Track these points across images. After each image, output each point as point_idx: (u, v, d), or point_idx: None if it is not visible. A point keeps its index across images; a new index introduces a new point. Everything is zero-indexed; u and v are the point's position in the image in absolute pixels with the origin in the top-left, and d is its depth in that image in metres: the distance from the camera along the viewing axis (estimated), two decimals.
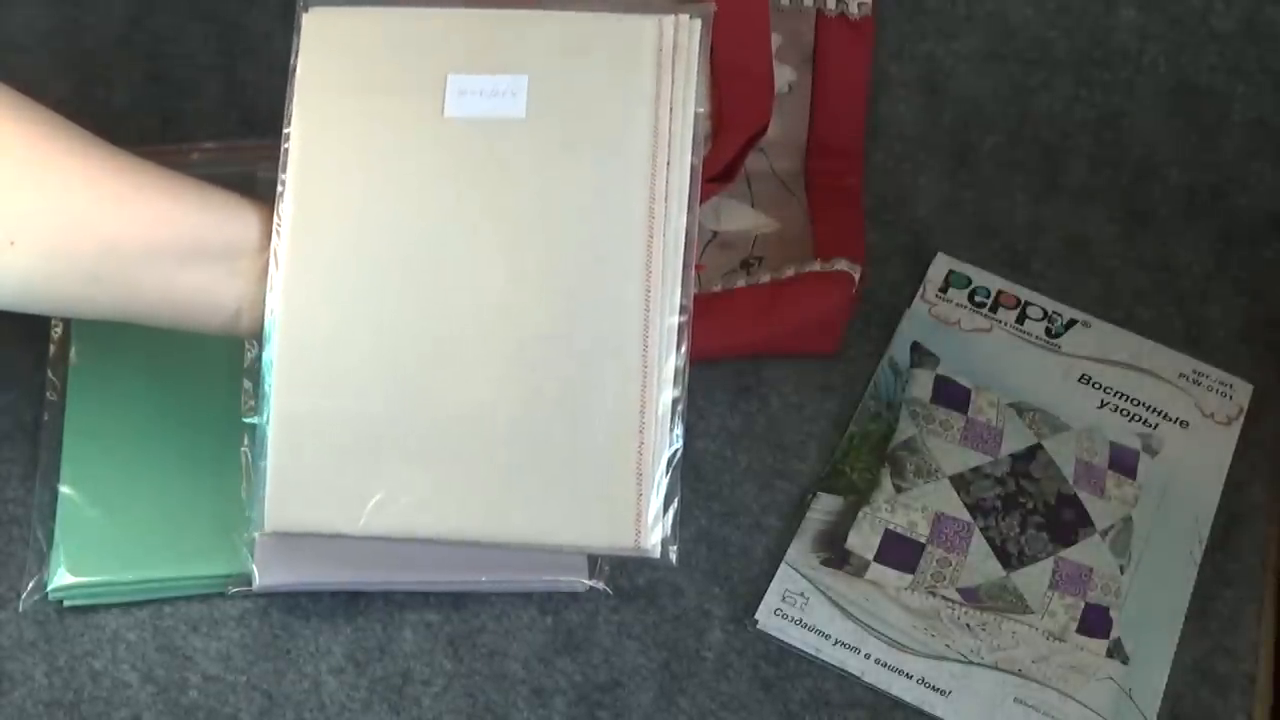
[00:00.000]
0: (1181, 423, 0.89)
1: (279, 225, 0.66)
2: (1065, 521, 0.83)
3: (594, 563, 0.80)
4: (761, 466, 0.86)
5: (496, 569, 0.78)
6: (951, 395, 0.88)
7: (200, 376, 0.82)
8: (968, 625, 0.80)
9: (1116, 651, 0.80)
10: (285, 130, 0.67)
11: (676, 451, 0.66)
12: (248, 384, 0.77)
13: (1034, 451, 0.86)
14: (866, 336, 0.91)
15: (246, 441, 0.79)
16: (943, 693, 0.78)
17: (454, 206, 0.66)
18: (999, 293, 0.93)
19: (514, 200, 0.66)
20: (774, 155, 0.95)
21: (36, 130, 0.63)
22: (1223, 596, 0.83)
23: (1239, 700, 0.80)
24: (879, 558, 0.82)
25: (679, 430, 0.66)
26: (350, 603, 0.79)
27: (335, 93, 0.68)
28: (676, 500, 0.66)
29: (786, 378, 0.89)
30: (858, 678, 0.79)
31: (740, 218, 0.94)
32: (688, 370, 0.66)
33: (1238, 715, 0.80)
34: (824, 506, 0.84)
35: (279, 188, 0.66)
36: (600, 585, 0.79)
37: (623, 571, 0.81)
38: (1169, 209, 0.97)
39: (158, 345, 0.80)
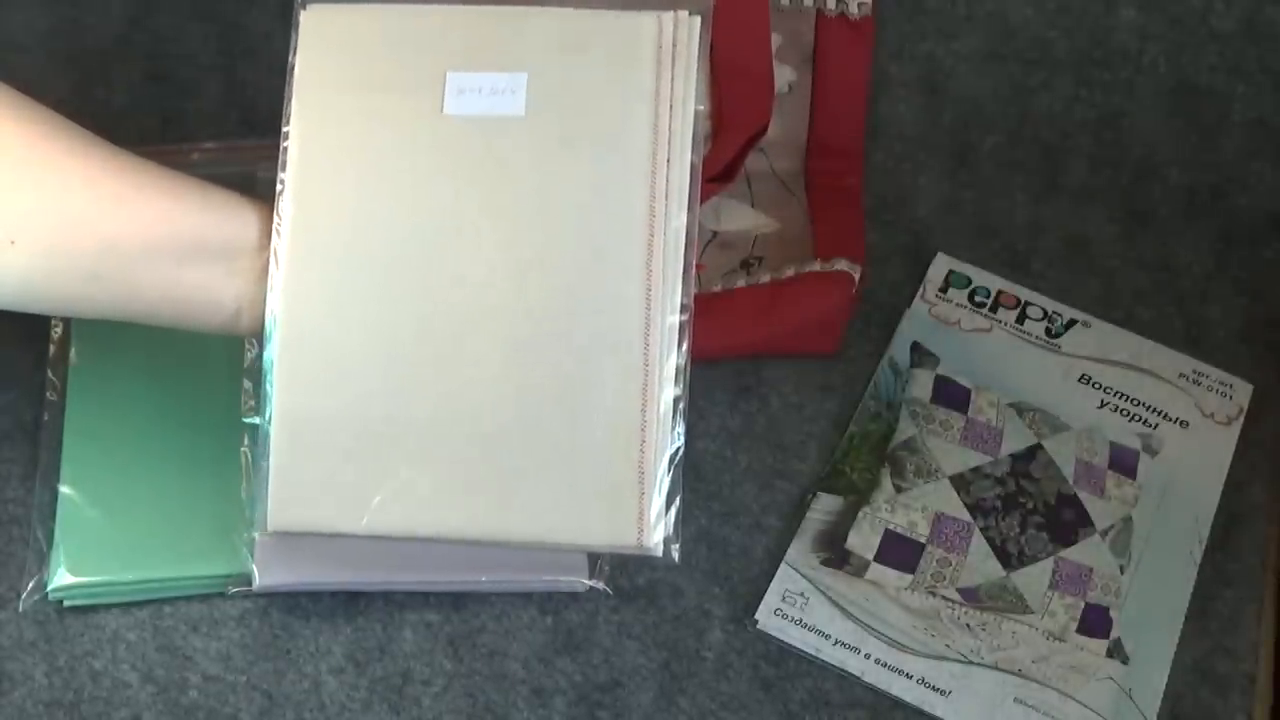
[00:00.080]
0: (1181, 423, 0.89)
1: (279, 224, 0.66)
2: (1065, 521, 0.83)
3: (594, 563, 0.80)
4: (761, 466, 0.86)
5: (496, 569, 0.78)
6: (951, 395, 0.88)
7: (200, 376, 0.82)
8: (968, 625, 0.80)
9: (1116, 651, 0.80)
10: (284, 129, 0.67)
11: (678, 450, 0.66)
12: (248, 384, 0.77)
13: (1034, 451, 0.86)
14: (866, 336, 0.91)
15: (247, 441, 0.79)
16: (943, 693, 0.78)
17: (453, 204, 0.66)
18: (999, 293, 0.93)
19: (514, 198, 0.66)
20: (774, 155, 0.95)
21: (36, 130, 0.63)
22: (1223, 596, 0.83)
23: (1239, 700, 0.80)
24: (879, 558, 0.82)
25: (680, 428, 0.66)
26: (350, 603, 0.79)
27: (334, 90, 0.68)
28: (678, 499, 0.66)
29: (786, 378, 0.89)
30: (858, 678, 0.79)
31: (740, 218, 0.94)
32: (689, 369, 0.66)
33: (1238, 715, 0.80)
34: (824, 506, 0.84)
35: (278, 186, 0.66)
36: (600, 585, 0.79)
37: (623, 571, 0.81)
38: (1169, 209, 0.97)
39: (158, 345, 0.80)
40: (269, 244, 0.66)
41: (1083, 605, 0.81)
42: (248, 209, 0.67)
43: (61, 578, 0.77)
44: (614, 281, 0.66)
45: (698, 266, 0.89)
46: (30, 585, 0.78)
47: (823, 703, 0.78)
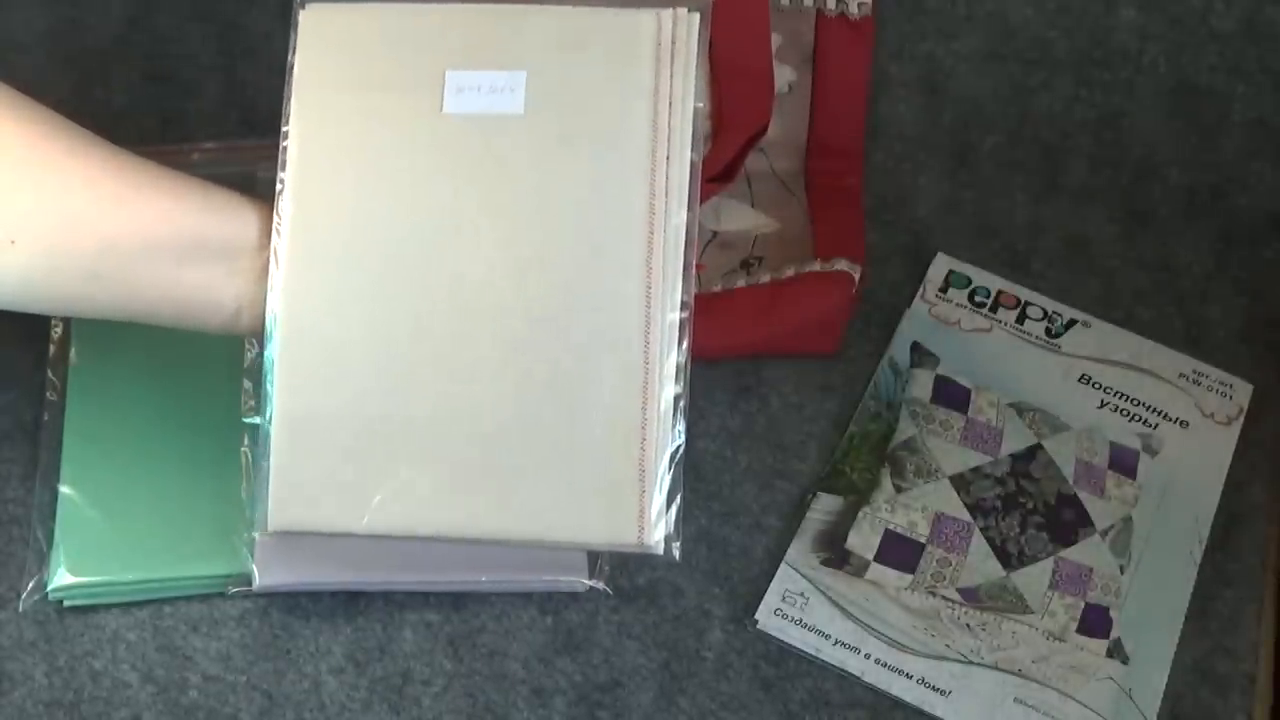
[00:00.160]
0: (1181, 423, 0.89)
1: (278, 223, 0.66)
2: (1065, 521, 0.83)
3: (594, 562, 0.80)
4: (761, 466, 0.86)
5: (496, 569, 0.78)
6: (951, 395, 0.88)
7: (200, 377, 0.82)
8: (968, 625, 0.80)
9: (1116, 651, 0.80)
10: (284, 128, 0.67)
11: (679, 448, 0.66)
12: (248, 384, 0.77)
13: (1034, 451, 0.86)
14: (866, 336, 0.91)
15: (247, 442, 0.79)
16: (943, 693, 0.78)
17: (453, 203, 0.66)
18: (999, 293, 0.93)
19: (513, 196, 0.66)
20: (774, 155, 0.95)
21: (36, 130, 0.63)
22: (1223, 596, 0.83)
23: (1239, 700, 0.80)
24: (879, 558, 0.82)
25: (681, 426, 0.66)
26: (350, 603, 0.79)
27: (333, 90, 0.68)
28: (679, 497, 0.66)
29: (786, 378, 0.89)
30: (858, 678, 0.79)
31: (740, 218, 0.94)
32: (689, 366, 0.66)
33: (1238, 715, 0.80)
34: (824, 506, 0.84)
35: (278, 186, 0.66)
36: (600, 585, 0.79)
37: (623, 571, 0.81)
38: (1169, 209, 0.97)
39: (158, 345, 0.80)
40: (269, 243, 0.66)
41: (1083, 605, 0.81)
42: (248, 209, 0.67)
43: (61, 578, 0.77)
44: (614, 279, 0.66)
45: (698, 266, 0.88)
46: (30, 585, 0.78)
47: (823, 703, 0.78)
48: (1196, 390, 0.90)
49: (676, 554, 0.67)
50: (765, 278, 0.88)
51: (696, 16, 0.67)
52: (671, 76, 0.66)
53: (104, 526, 0.78)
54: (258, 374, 0.67)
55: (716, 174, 0.87)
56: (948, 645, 0.80)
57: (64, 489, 0.79)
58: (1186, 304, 0.94)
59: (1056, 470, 0.85)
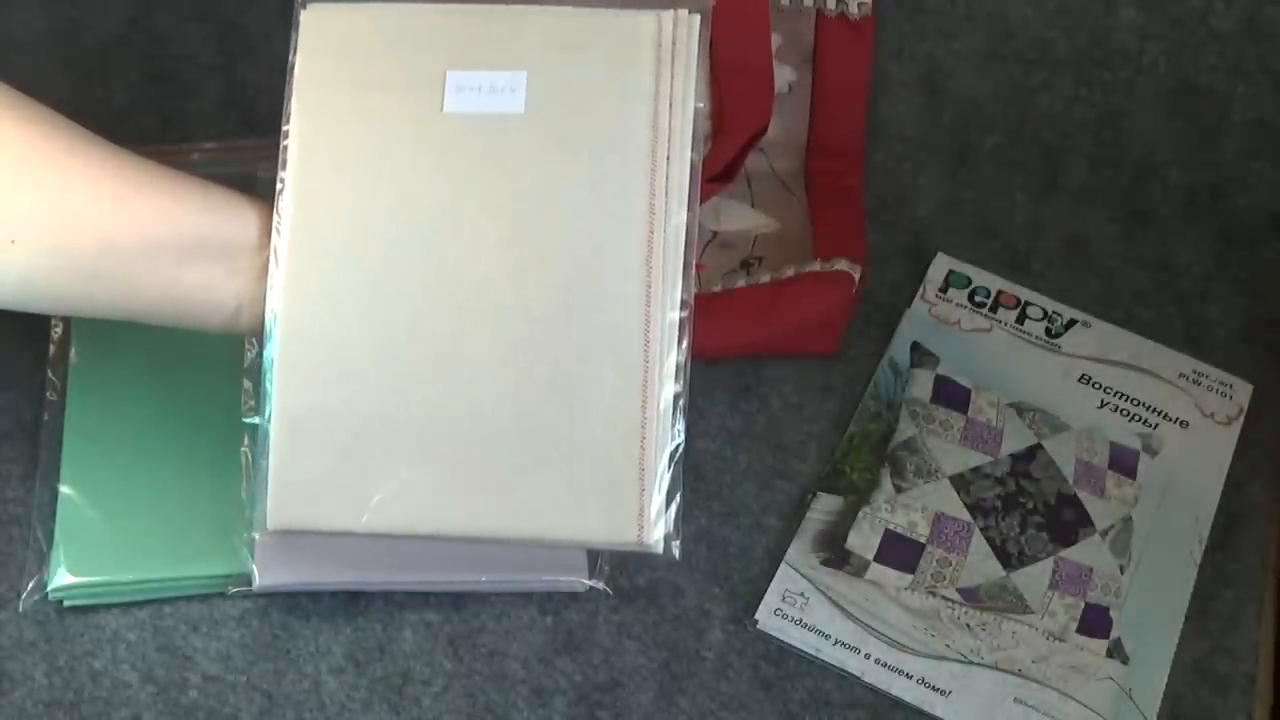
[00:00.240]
0: (1181, 423, 0.89)
1: (278, 223, 0.66)
2: (1065, 521, 0.83)
3: (594, 562, 0.80)
4: (761, 466, 0.86)
5: (496, 569, 0.78)
6: (951, 395, 0.88)
7: (200, 377, 0.82)
8: (968, 625, 0.80)
9: (1116, 651, 0.80)
10: (284, 128, 0.67)
11: (678, 446, 0.66)
12: (248, 384, 0.77)
13: (1034, 451, 0.86)
14: (866, 336, 0.91)
15: (246, 442, 0.79)
16: (943, 693, 0.78)
17: (453, 203, 0.66)
18: (999, 293, 0.93)
19: (513, 196, 0.66)
20: (774, 155, 0.95)
21: (36, 129, 0.63)
22: (1223, 596, 0.83)
23: (1239, 700, 0.80)
24: (879, 558, 0.82)
25: (681, 425, 0.66)
26: (350, 603, 0.79)
27: (334, 89, 0.68)
28: (679, 496, 0.66)
29: (786, 378, 0.89)
30: (858, 678, 0.79)
31: (740, 218, 0.94)
32: (689, 366, 0.66)
33: (1238, 715, 0.80)
34: (824, 506, 0.84)
35: (278, 185, 0.66)
36: (600, 585, 0.79)
37: (623, 571, 0.81)
38: (1169, 209, 0.97)
39: (158, 345, 0.80)
40: (269, 243, 0.66)
41: (1083, 605, 0.81)
42: (247, 208, 0.67)
43: (61, 578, 0.77)
44: (613, 278, 0.66)
45: (698, 266, 0.88)
46: (30, 585, 0.78)
47: (823, 703, 0.78)
48: (1196, 390, 0.90)
49: (676, 553, 0.67)
50: (765, 278, 0.88)
51: (697, 18, 0.67)
52: (672, 77, 0.66)
53: (104, 526, 0.78)
54: (257, 374, 0.67)
55: (716, 174, 0.87)
56: (948, 645, 0.80)
57: (64, 489, 0.79)
58: (1186, 304, 0.94)
59: (1056, 470, 0.85)
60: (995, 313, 0.92)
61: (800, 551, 0.82)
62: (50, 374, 0.83)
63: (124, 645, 0.77)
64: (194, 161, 0.87)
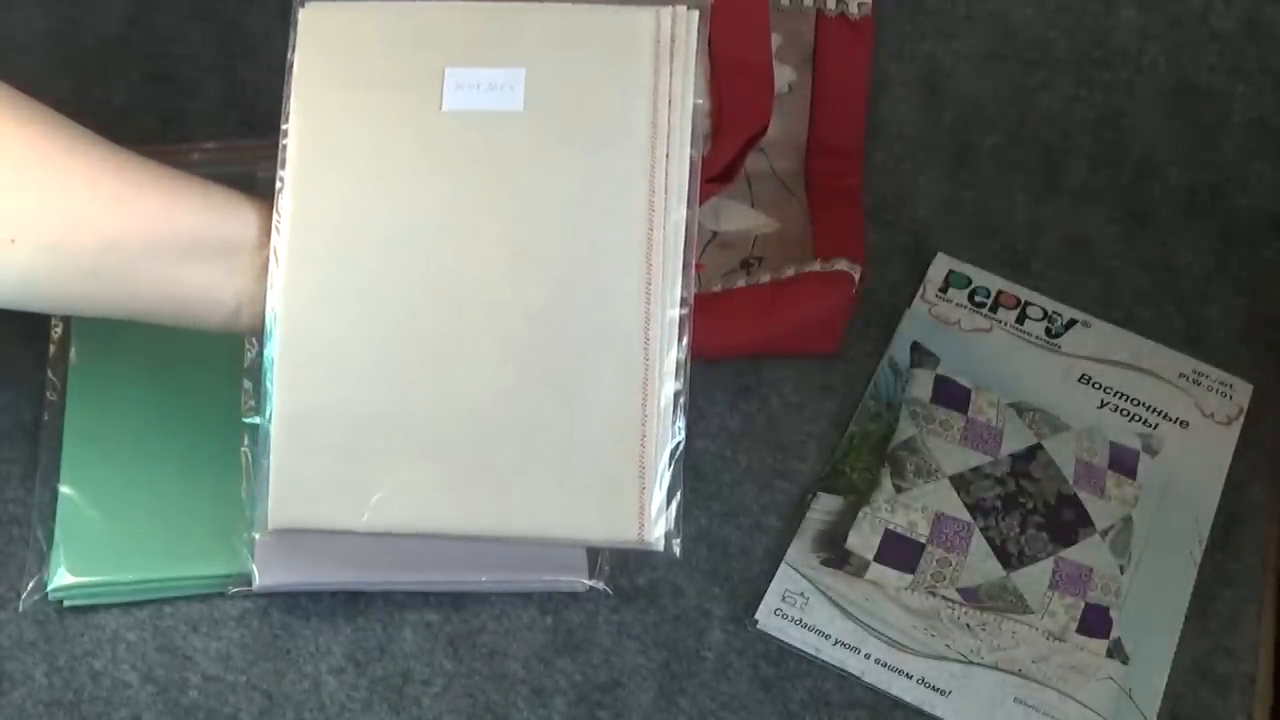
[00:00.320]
0: (1181, 423, 0.89)
1: (278, 222, 0.66)
2: (1065, 521, 0.83)
3: (594, 562, 0.80)
4: (761, 466, 0.86)
5: (496, 569, 0.78)
6: (951, 395, 0.88)
7: (200, 377, 0.82)
8: (968, 625, 0.80)
9: (1116, 651, 0.80)
10: (283, 126, 0.67)
11: (679, 444, 0.66)
12: (248, 384, 0.77)
13: (1034, 451, 0.86)
14: (866, 336, 0.91)
15: (246, 442, 0.79)
16: (943, 693, 0.78)
17: (453, 201, 0.66)
18: (999, 293, 0.93)
19: (513, 194, 0.66)
20: (774, 155, 0.95)
21: (36, 129, 0.63)
22: (1223, 596, 0.83)
23: (1239, 700, 0.80)
24: (879, 558, 0.82)
25: (681, 423, 0.66)
26: (350, 603, 0.79)
27: (333, 88, 0.68)
28: (679, 493, 0.66)
29: (786, 378, 0.89)
30: (858, 678, 0.79)
31: (740, 218, 0.94)
32: (689, 363, 0.66)
33: (1238, 715, 0.80)
34: (824, 506, 0.84)
35: (277, 184, 0.66)
36: (600, 585, 0.79)
37: (623, 571, 0.81)
38: (1169, 209, 0.97)
39: (158, 345, 0.80)
40: (269, 241, 0.66)
41: (1083, 605, 0.81)
42: (247, 207, 0.67)
43: (61, 578, 0.77)
44: (613, 276, 0.66)
45: (697, 266, 0.88)
46: (30, 585, 0.78)
47: (823, 703, 0.78)
48: (1196, 390, 0.90)
49: (677, 550, 0.67)
50: (765, 278, 0.88)
51: (696, 14, 0.67)
52: (671, 74, 0.67)
53: (104, 526, 0.78)
54: (258, 374, 0.67)
55: (716, 174, 0.87)
56: (948, 645, 0.80)
57: (64, 489, 0.79)
58: (1186, 304, 0.94)
59: (1056, 470, 0.85)
60: (995, 313, 0.92)
61: (800, 551, 0.82)
62: (50, 374, 0.83)
63: (124, 645, 0.77)
64: (194, 161, 0.87)
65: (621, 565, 0.81)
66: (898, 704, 0.78)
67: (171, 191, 0.65)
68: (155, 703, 0.76)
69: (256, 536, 0.76)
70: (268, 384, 0.66)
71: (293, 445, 0.67)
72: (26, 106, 0.63)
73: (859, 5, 0.92)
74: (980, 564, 0.82)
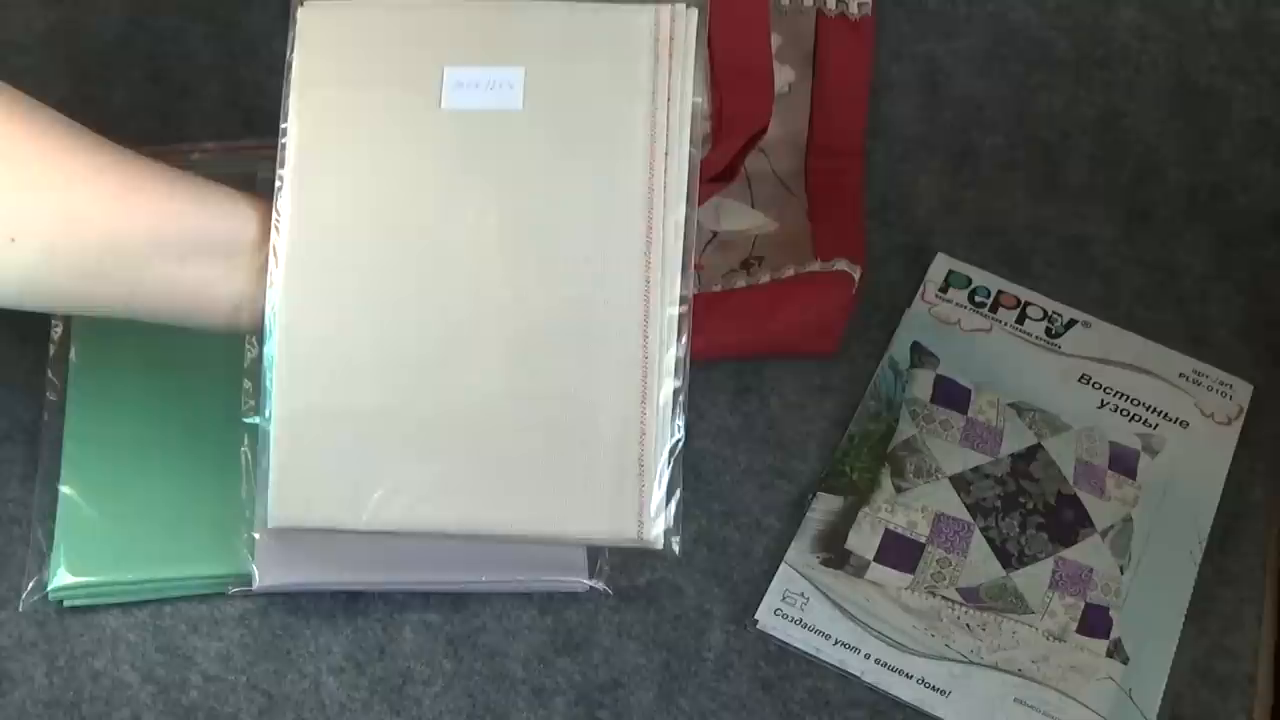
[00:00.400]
0: (1181, 423, 0.88)
1: (278, 221, 0.66)
2: (1065, 521, 0.83)
3: (594, 563, 0.79)
4: (761, 466, 0.86)
5: (496, 569, 0.78)
6: (951, 395, 0.88)
7: (200, 377, 0.82)
8: (968, 625, 0.80)
9: (1116, 651, 0.80)
10: (282, 125, 0.67)
11: (678, 442, 0.66)
12: (248, 384, 0.77)
13: (1034, 451, 0.86)
14: (866, 336, 0.91)
15: (246, 442, 0.79)
16: (943, 693, 0.78)
17: (452, 199, 0.66)
18: (999, 293, 0.93)
19: (512, 192, 0.66)
20: (774, 155, 0.95)
21: (36, 128, 0.63)
22: (1223, 596, 0.83)
23: (1239, 700, 0.80)
24: (879, 558, 0.82)
25: (680, 421, 0.66)
26: (350, 603, 0.79)
27: (332, 86, 0.68)
28: (678, 491, 0.66)
29: (786, 378, 0.89)
30: (858, 678, 0.79)
31: (740, 218, 0.94)
32: (688, 361, 0.66)
33: (1238, 715, 0.80)
34: (824, 506, 0.84)
35: (277, 183, 0.66)
36: (600, 585, 0.79)
37: (623, 571, 0.81)
38: (1169, 209, 0.97)
39: (158, 345, 0.80)
40: (268, 241, 0.66)
41: (1083, 605, 0.81)
42: (247, 206, 0.67)
43: (61, 578, 0.77)
44: (612, 274, 0.66)
45: (697, 266, 0.89)
46: (30, 585, 0.77)
47: (823, 703, 0.78)
48: (1196, 390, 0.90)
49: (676, 549, 0.67)
50: (765, 278, 0.88)
51: (695, 12, 0.67)
52: (670, 72, 0.67)
53: (104, 526, 0.78)
54: (257, 373, 0.67)
55: (717, 174, 0.87)
56: (948, 645, 0.80)
57: (64, 489, 0.79)
58: (1186, 304, 0.94)
59: (1056, 470, 0.85)
60: (995, 313, 0.92)
61: (800, 551, 0.82)
62: (50, 374, 0.83)
63: (124, 645, 0.77)
64: (194, 161, 0.87)
65: (621, 565, 0.81)
66: (898, 704, 0.78)
67: (171, 191, 0.65)
68: (155, 703, 0.76)
69: (256, 536, 0.76)
70: (267, 383, 0.66)
71: (293, 444, 0.67)
72: (26, 106, 0.63)
73: (859, 5, 0.92)
74: (980, 564, 0.82)
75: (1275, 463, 0.88)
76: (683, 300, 0.66)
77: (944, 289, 0.93)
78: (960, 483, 0.84)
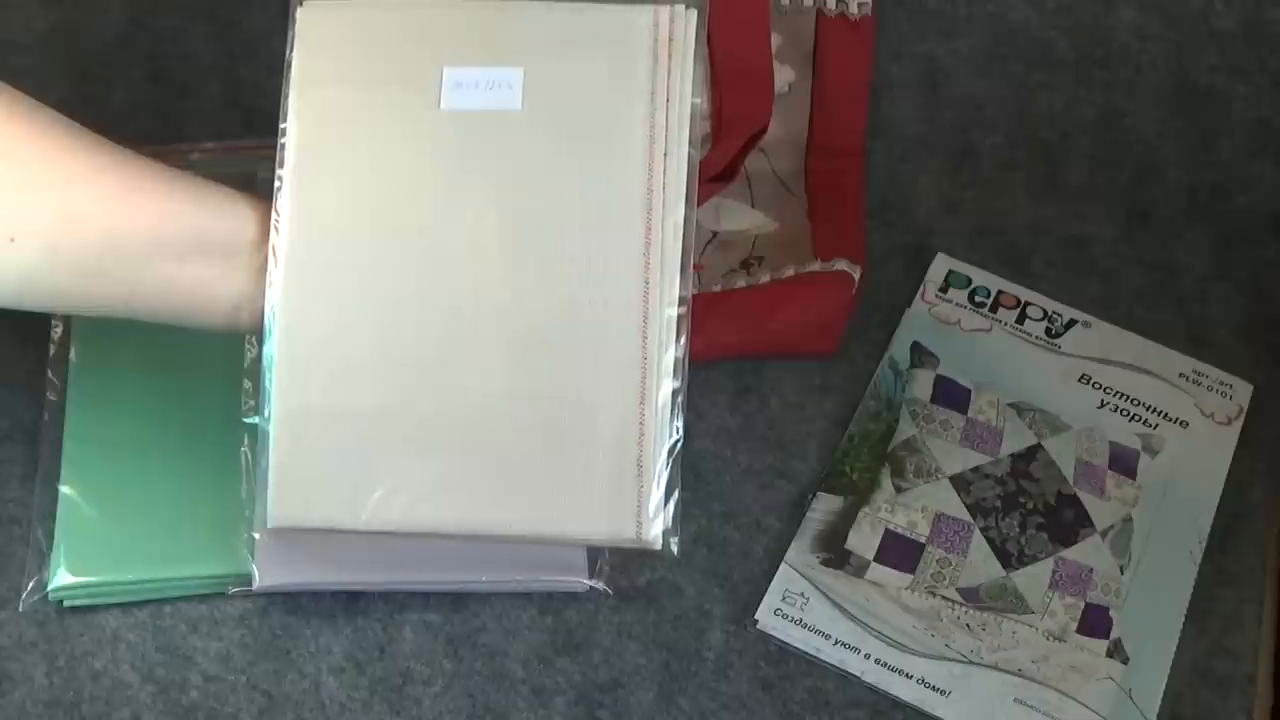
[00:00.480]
0: (1181, 423, 0.88)
1: (277, 221, 0.66)
2: (1065, 521, 0.83)
3: (594, 563, 0.79)
4: (761, 466, 0.86)
5: (496, 569, 0.78)
6: (951, 395, 0.88)
7: (200, 377, 0.82)
8: (968, 625, 0.80)
9: (1116, 651, 0.80)
10: (282, 125, 0.67)
11: (677, 443, 0.66)
12: (248, 384, 0.77)
13: (1034, 451, 0.86)
14: (866, 336, 0.91)
15: (246, 442, 0.79)
16: (943, 693, 0.78)
17: (451, 199, 0.66)
18: (999, 293, 0.93)
19: (511, 193, 0.66)
20: (774, 155, 0.95)
21: (36, 128, 0.63)
22: (1223, 596, 0.83)
23: (1239, 700, 0.80)
24: (879, 558, 0.82)
25: (679, 422, 0.66)
26: (350, 603, 0.79)
27: (331, 86, 0.68)
28: (677, 492, 0.66)
29: (786, 378, 0.89)
30: (858, 678, 0.79)
31: (740, 218, 0.94)
32: (687, 361, 0.66)
33: (1238, 715, 0.79)
34: (824, 506, 0.84)
35: (276, 183, 0.67)
36: (600, 585, 0.79)
37: (623, 572, 0.81)
38: (1169, 209, 0.97)
39: (158, 345, 0.80)
40: (268, 241, 0.66)
41: (1083, 605, 0.81)
42: (246, 206, 0.67)
43: (61, 578, 0.77)
44: (612, 275, 0.66)
45: (697, 266, 0.89)
46: (30, 585, 0.78)
47: (823, 703, 0.78)
48: (1196, 390, 0.90)
49: (675, 549, 0.67)
50: (765, 278, 0.88)
51: (694, 12, 0.67)
52: (669, 73, 0.67)
53: (104, 526, 0.78)
54: (257, 373, 0.67)
55: (717, 174, 0.87)
56: (948, 645, 0.80)
57: (64, 489, 0.79)
58: (1186, 304, 0.94)
59: (1056, 470, 0.85)
60: (995, 313, 0.92)
61: (800, 551, 0.82)
62: (50, 374, 0.83)
63: (124, 645, 0.77)
64: (194, 161, 0.87)
65: (621, 565, 0.81)
66: (898, 704, 0.78)
67: (171, 191, 0.65)
68: (155, 703, 0.76)
69: (256, 536, 0.76)
70: (267, 383, 0.66)
71: (292, 444, 0.67)
72: (26, 106, 0.63)
73: (859, 5, 0.92)
74: (980, 564, 0.82)
75: (1275, 463, 0.88)
76: (682, 301, 0.66)
77: (944, 289, 0.93)
78: (960, 483, 0.84)
